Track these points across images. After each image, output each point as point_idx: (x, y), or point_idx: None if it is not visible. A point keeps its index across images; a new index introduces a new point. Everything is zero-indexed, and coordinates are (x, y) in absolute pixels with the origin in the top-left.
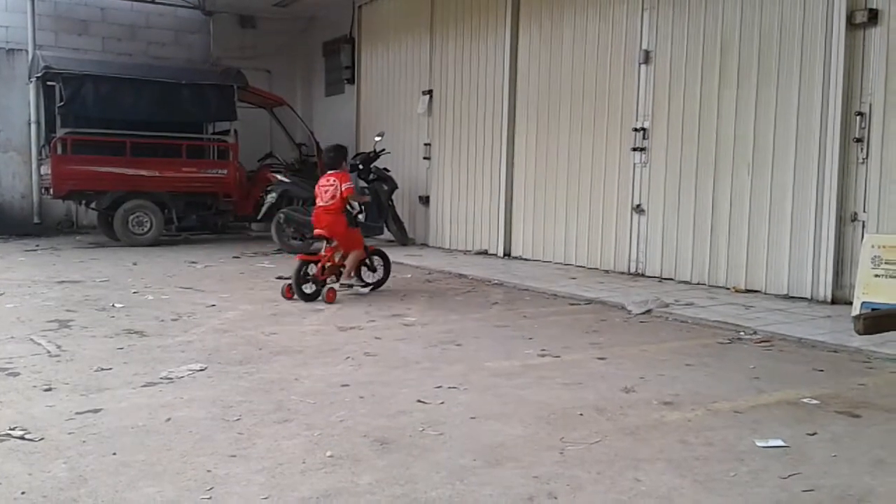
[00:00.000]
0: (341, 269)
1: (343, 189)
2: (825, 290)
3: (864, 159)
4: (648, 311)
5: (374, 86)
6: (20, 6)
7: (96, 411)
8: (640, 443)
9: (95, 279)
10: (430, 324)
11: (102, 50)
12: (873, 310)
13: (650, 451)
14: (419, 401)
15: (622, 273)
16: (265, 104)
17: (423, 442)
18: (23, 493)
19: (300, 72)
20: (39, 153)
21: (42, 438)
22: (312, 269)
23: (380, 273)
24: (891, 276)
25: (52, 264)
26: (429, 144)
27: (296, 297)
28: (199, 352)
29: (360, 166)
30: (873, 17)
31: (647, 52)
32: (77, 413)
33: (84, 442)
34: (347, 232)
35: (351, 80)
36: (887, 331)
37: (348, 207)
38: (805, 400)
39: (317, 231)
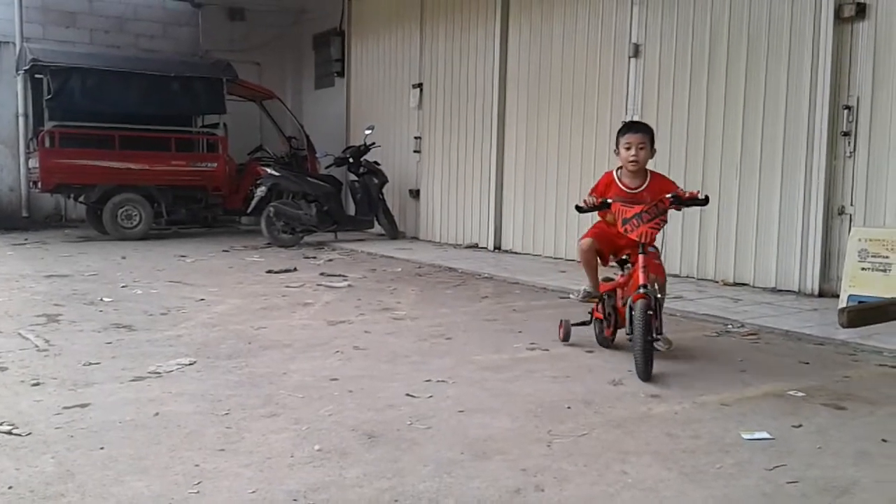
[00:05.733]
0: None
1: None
2: (812, 283)
3: (851, 153)
4: None
5: (365, 79)
6: None
7: (84, 406)
8: (628, 435)
9: (84, 273)
10: (419, 318)
11: (90, 42)
12: (859, 303)
13: (637, 443)
14: (408, 395)
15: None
16: (255, 97)
17: (411, 435)
18: (10, 487)
19: (290, 65)
20: (27, 146)
21: (30, 433)
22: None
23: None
24: (877, 270)
25: (40, 258)
26: (419, 138)
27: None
28: (187, 346)
29: (351, 160)
30: (861, 11)
31: (636, 46)
32: (65, 408)
33: (72, 436)
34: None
35: (341, 74)
36: (872, 324)
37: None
38: (791, 392)
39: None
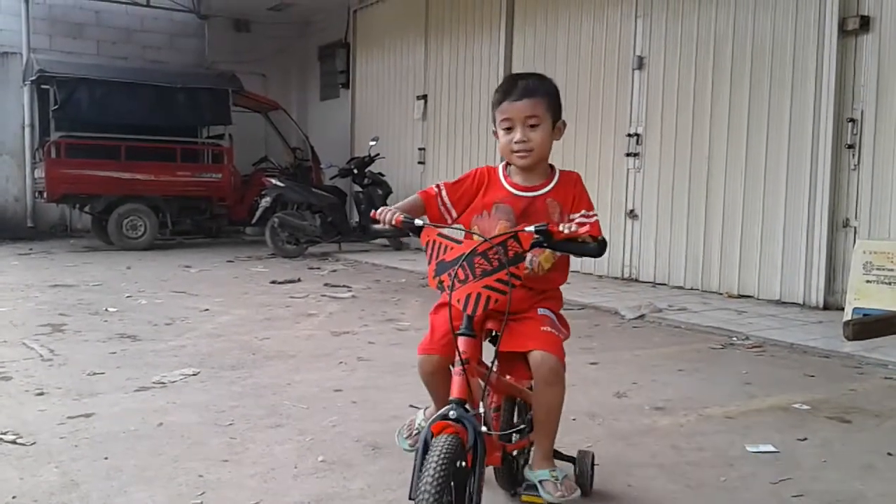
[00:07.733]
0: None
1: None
2: (817, 296)
3: (855, 165)
4: (642, 317)
5: (369, 90)
6: (14, 9)
7: (88, 416)
8: (632, 448)
9: (89, 283)
10: (423, 329)
11: (97, 53)
12: (864, 315)
13: (642, 456)
14: (412, 405)
15: (616, 278)
16: (260, 108)
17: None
18: (14, 497)
19: (295, 76)
20: (33, 157)
21: (34, 443)
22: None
23: None
24: (882, 282)
25: (45, 268)
26: (423, 149)
27: None
28: (192, 356)
29: (355, 171)
30: (865, 24)
31: (640, 58)
32: (69, 417)
33: (76, 446)
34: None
35: (346, 85)
36: (877, 336)
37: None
38: (796, 405)
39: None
